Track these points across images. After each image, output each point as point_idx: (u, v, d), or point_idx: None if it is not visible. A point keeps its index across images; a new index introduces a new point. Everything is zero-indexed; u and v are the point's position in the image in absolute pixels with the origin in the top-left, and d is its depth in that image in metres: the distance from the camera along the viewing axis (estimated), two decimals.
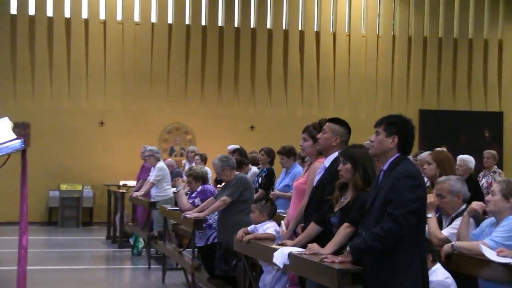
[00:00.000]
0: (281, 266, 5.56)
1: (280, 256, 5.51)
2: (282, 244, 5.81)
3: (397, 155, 4.74)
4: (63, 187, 18.19)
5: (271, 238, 6.63)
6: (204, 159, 13.42)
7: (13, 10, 18.57)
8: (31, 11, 18.65)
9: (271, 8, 20.18)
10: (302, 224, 5.92)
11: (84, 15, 18.99)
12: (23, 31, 18.50)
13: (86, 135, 18.65)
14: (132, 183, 15.98)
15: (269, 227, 6.84)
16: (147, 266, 11.67)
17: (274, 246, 5.93)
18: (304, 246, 5.47)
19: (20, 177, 3.08)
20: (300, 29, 20.35)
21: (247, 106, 19.77)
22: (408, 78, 21.04)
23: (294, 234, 6.20)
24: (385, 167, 4.76)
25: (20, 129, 3.09)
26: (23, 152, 3.10)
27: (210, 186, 9.98)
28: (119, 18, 19.23)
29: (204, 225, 8.87)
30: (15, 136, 3.06)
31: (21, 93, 18.45)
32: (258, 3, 20.01)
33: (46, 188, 18.00)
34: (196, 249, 9.12)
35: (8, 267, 9.99)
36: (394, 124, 4.77)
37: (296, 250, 5.45)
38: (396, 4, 21.02)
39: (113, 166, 18.45)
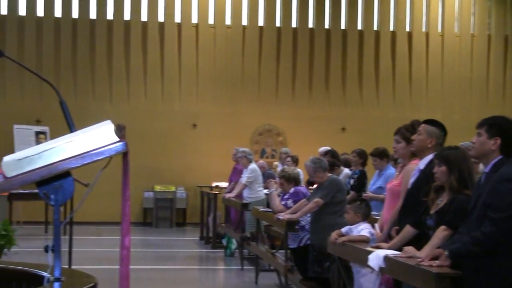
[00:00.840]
0: (377, 269, 5.51)
1: (376, 258, 5.47)
2: (377, 247, 5.77)
3: (500, 157, 4.62)
4: (157, 188, 18.54)
5: (366, 240, 6.58)
6: (295, 161, 13.42)
7: (110, 15, 19.05)
8: (127, 16, 19.10)
9: (362, 9, 20.03)
10: (397, 227, 5.86)
11: (177, 19, 19.33)
12: (118, 36, 18.98)
13: (179, 137, 18.97)
14: (224, 184, 16.14)
15: (363, 229, 6.79)
16: (240, 267, 11.76)
17: (369, 248, 5.88)
18: (399, 249, 5.42)
19: (122, 180, 3.16)
20: (391, 29, 20.13)
21: (338, 107, 19.68)
22: (504, 79, 20.52)
23: (388, 237, 6.14)
24: (487, 170, 4.66)
25: (116, 131, 3.17)
26: (124, 154, 3.18)
27: (302, 187, 9.98)
28: (211, 21, 19.47)
29: (296, 227, 8.88)
30: (117, 139, 3.14)
31: (117, 95, 18.93)
32: (348, 4, 19.91)
33: (141, 189, 18.38)
34: (288, 251, 9.15)
35: (108, 266, 10.22)
36: (496, 126, 4.65)
37: (391, 252, 5.40)
38: (492, 2, 20.55)
39: (206, 168, 18.68)
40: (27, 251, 12.31)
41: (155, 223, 18.32)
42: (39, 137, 17.59)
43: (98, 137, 3.11)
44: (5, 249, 9.53)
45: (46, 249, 3.09)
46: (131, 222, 15.28)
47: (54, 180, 3.08)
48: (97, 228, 16.87)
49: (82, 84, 18.82)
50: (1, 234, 9.62)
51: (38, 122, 18.20)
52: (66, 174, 3.10)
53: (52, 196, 3.09)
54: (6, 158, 3.00)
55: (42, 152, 3.01)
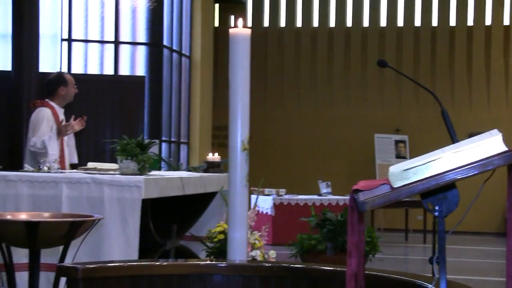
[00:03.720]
0: None
1: None
2: None
3: None
4: None
5: None
6: None
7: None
8: (488, 21, 18.75)
9: None
10: None
11: None
12: (479, 41, 18.68)
13: None
14: None
15: None
16: None
17: None
18: None
19: (508, 193, 3.01)
20: None
21: None
22: None
23: None
24: None
25: None
26: None
27: None
28: None
29: None
30: (506, 149, 3.01)
31: (476, 102, 18.55)
32: None
33: (501, 199, 17.76)
34: None
35: (468, 277, 10.01)
36: None
37: None
38: None
39: None
40: (390, 258, 12.54)
41: None
42: (399, 146, 17.85)
43: (485, 147, 3.00)
44: (370, 255, 9.79)
45: (430, 261, 3.05)
46: (492, 233, 14.75)
47: (439, 191, 3.02)
48: (454, 237, 16.58)
49: (440, 91, 18.71)
50: (366, 240, 9.90)
51: (397, 131, 18.47)
52: (451, 185, 3.04)
53: (437, 207, 3.04)
54: (392, 168, 3.02)
55: (428, 162, 2.98)
